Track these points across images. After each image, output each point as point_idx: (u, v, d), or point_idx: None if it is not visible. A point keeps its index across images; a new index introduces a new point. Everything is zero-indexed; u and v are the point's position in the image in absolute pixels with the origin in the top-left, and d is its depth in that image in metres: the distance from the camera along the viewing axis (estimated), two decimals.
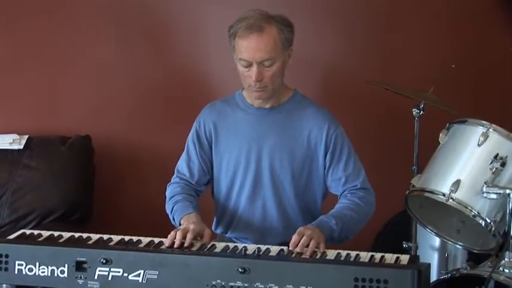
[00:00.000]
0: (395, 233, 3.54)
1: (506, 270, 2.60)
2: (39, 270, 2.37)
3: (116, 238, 2.54)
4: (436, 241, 3.29)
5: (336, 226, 2.65)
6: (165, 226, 2.73)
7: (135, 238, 2.54)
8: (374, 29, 3.85)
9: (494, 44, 3.85)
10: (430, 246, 3.30)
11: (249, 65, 2.71)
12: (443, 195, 2.69)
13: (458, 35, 3.83)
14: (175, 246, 2.47)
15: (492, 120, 2.75)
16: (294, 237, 2.46)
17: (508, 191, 2.59)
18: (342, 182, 2.82)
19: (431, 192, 2.74)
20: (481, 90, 3.81)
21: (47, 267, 2.37)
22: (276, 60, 2.71)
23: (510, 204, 2.59)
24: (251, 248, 2.45)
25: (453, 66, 3.73)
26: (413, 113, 3.19)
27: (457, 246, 2.93)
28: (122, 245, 2.48)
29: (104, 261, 2.34)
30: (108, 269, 2.34)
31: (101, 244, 2.50)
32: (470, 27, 3.83)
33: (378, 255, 2.37)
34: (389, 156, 3.78)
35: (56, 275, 2.36)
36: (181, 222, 2.70)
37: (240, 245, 2.50)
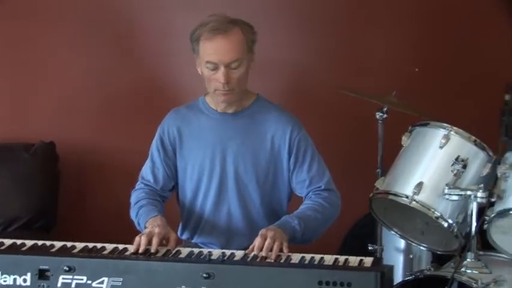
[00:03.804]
0: (362, 235, 3.57)
1: (469, 271, 2.63)
2: (1, 279, 2.35)
3: (79, 245, 2.53)
4: (401, 243, 3.32)
5: (299, 226, 2.66)
6: (131, 232, 2.72)
7: (99, 245, 2.52)
8: (338, 34, 3.89)
9: (456, 47, 3.90)
10: (395, 248, 3.33)
11: (216, 68, 2.71)
12: (407, 197, 2.71)
13: (422, 39, 3.88)
14: (140, 251, 2.46)
15: (454, 123, 2.78)
16: (257, 241, 2.47)
17: (469, 193, 2.62)
18: (306, 184, 2.83)
19: (395, 194, 2.75)
20: (443, 93, 3.86)
21: (9, 276, 2.35)
22: (242, 61, 2.72)
23: (472, 205, 2.62)
24: (216, 253, 2.45)
25: (416, 70, 3.77)
26: (377, 116, 3.22)
27: (421, 247, 2.96)
28: (85, 253, 2.47)
29: (67, 268, 2.33)
30: (71, 277, 2.33)
31: (64, 252, 2.48)
32: (432, 31, 3.88)
33: (342, 258, 2.38)
34: (354, 159, 3.81)
35: (18, 283, 2.34)
36: (147, 226, 2.69)
37: (205, 250, 2.50)
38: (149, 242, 2.49)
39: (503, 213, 2.57)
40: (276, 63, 3.77)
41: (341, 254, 2.44)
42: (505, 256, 2.71)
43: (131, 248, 2.48)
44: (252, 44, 2.77)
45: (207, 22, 2.73)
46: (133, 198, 2.91)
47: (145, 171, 2.95)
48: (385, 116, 3.20)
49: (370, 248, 3.29)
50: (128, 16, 3.94)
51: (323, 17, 3.86)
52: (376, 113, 3.20)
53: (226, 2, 3.64)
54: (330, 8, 3.86)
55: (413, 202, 2.69)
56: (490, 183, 2.66)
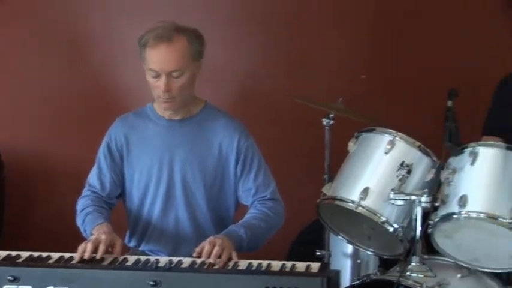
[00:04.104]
0: (309, 241, 3.58)
1: (414, 275, 2.66)
2: None
3: (24, 254, 2.49)
4: (349, 248, 3.34)
5: (245, 235, 2.68)
6: (78, 240, 2.70)
7: (44, 254, 2.49)
8: (286, 42, 3.93)
9: (402, 54, 3.97)
10: (343, 254, 3.35)
11: (158, 76, 2.71)
12: (353, 202, 2.73)
13: (368, 46, 3.93)
14: (85, 257, 2.44)
15: (400, 129, 2.82)
16: (206, 247, 2.47)
17: (413, 198, 2.65)
18: (252, 193, 2.85)
19: (341, 200, 2.78)
20: (389, 99, 3.92)
21: None
22: (185, 71, 2.72)
23: (416, 210, 2.66)
24: (163, 260, 2.44)
25: (363, 76, 3.82)
26: (324, 123, 3.24)
27: (368, 252, 2.99)
28: (30, 262, 2.43)
29: (12, 278, 2.30)
30: (16, 287, 2.30)
31: (8, 261, 2.44)
32: (378, 37, 3.94)
33: (289, 264, 2.40)
34: (301, 165, 3.84)
35: None
36: (93, 233, 2.67)
37: (152, 258, 2.49)
38: (95, 249, 2.47)
39: (447, 217, 2.61)
40: (224, 70, 3.79)
41: (289, 260, 2.46)
42: (448, 260, 2.75)
43: (76, 256, 2.46)
44: (199, 53, 2.77)
45: (154, 29, 2.73)
46: (79, 205, 2.89)
47: (92, 178, 2.93)
48: (331, 122, 3.22)
49: (318, 253, 3.31)
50: (77, 21, 3.90)
51: (271, 25, 3.89)
52: (323, 120, 3.23)
53: (176, 9, 3.65)
54: (278, 17, 3.90)
55: (360, 207, 2.72)
56: (434, 188, 2.70)
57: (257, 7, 3.92)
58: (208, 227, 2.88)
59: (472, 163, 2.65)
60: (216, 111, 2.91)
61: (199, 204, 2.87)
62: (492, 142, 2.87)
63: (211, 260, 2.43)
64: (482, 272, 2.72)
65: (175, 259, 2.45)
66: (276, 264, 2.41)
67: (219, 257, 2.44)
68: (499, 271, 2.72)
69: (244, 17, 3.91)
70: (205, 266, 2.41)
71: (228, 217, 2.93)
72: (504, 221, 2.52)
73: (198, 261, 2.45)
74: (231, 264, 2.44)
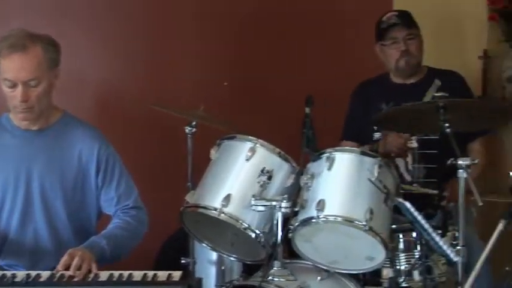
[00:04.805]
0: (175, 249, 3.57)
1: (276, 279, 2.69)
2: None
3: None
4: (213, 255, 3.34)
5: (107, 246, 2.66)
6: None
7: None
8: (145, 50, 3.91)
9: (264, 61, 4.04)
10: (208, 261, 3.36)
11: (14, 85, 2.65)
12: (215, 210, 2.74)
13: (230, 54, 3.97)
14: None
15: (262, 136, 2.86)
16: (64, 259, 2.43)
17: (274, 203, 2.69)
18: (115, 202, 2.83)
19: (204, 207, 2.79)
20: (252, 106, 3.98)
21: None
22: (41, 80, 2.67)
23: (277, 215, 2.71)
24: (20, 274, 2.38)
25: (225, 83, 3.85)
26: (186, 130, 3.24)
27: (232, 258, 3.01)
28: None
29: None
30: None
31: None
32: (240, 45, 3.99)
33: (150, 274, 2.39)
34: (165, 173, 3.82)
35: None
36: None
37: (8, 273, 2.42)
38: None
39: (306, 221, 2.67)
40: (83, 78, 3.72)
41: (156, 269, 2.45)
42: (309, 263, 2.81)
43: None
44: (54, 61, 2.72)
45: (7, 37, 2.67)
46: None
47: None
48: (194, 130, 3.23)
49: (183, 261, 3.30)
50: None
51: (131, 31, 3.87)
52: (185, 128, 3.23)
53: (30, 17, 3.56)
54: (137, 22, 3.88)
55: (222, 214, 2.73)
56: (294, 193, 2.76)
57: (114, 12, 3.88)
58: (69, 237, 2.83)
59: (329, 168, 2.72)
60: (74, 120, 2.87)
61: (59, 215, 2.81)
62: (348, 148, 2.98)
63: (70, 272, 2.38)
64: (340, 273, 2.80)
65: (33, 273, 2.39)
66: (137, 274, 2.39)
67: (79, 269, 2.40)
68: (356, 272, 2.80)
69: (102, 22, 3.86)
70: (65, 279, 2.37)
71: (90, 226, 2.89)
72: (360, 223, 2.60)
73: (57, 274, 2.40)
74: (91, 276, 2.40)
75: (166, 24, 3.93)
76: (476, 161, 2.66)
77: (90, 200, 2.85)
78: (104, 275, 2.40)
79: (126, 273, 2.40)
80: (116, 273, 2.40)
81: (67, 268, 2.43)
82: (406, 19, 3.44)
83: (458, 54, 4.01)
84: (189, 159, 3.27)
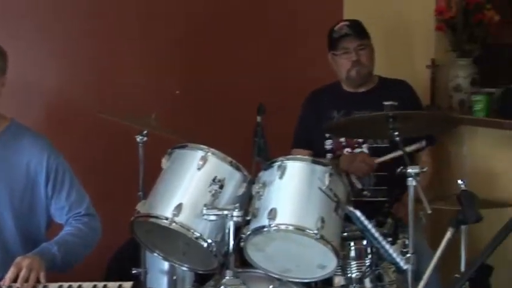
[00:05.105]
0: (126, 259, 3.54)
1: None
2: None
3: None
4: (165, 265, 3.32)
5: (58, 252, 2.62)
6: None
7: None
8: (92, 59, 3.89)
9: (216, 70, 4.04)
10: (160, 270, 3.33)
11: None
12: (167, 219, 2.72)
13: (182, 62, 3.97)
14: None
15: (214, 145, 2.85)
16: (11, 271, 2.39)
17: (226, 212, 2.68)
18: (66, 211, 2.81)
19: (156, 217, 2.76)
20: (204, 115, 3.98)
21: None
22: None
23: (229, 224, 2.70)
24: None
25: (177, 92, 3.84)
26: (137, 139, 3.22)
27: (183, 268, 2.99)
28: None
29: None
30: None
31: None
32: (192, 54, 3.99)
33: (100, 285, 2.37)
34: (116, 183, 3.79)
35: None
36: None
37: None
38: None
39: (258, 230, 2.66)
40: (30, 86, 3.68)
41: (106, 279, 2.42)
42: (261, 272, 2.81)
43: None
44: (1, 69, 2.69)
45: None
46: None
47: None
48: (145, 139, 3.21)
49: (134, 271, 3.27)
50: None
51: (79, 39, 3.85)
52: (137, 136, 3.21)
53: None
54: (85, 31, 3.86)
55: (173, 224, 2.71)
56: (246, 202, 2.76)
57: (61, 19, 3.85)
58: (17, 247, 2.78)
59: (281, 177, 2.73)
60: (22, 129, 2.82)
61: (7, 225, 2.77)
62: (299, 156, 2.99)
63: (18, 285, 2.34)
64: (292, 282, 2.80)
65: None
66: (87, 285, 2.37)
67: (26, 280, 2.36)
68: (308, 280, 2.81)
69: (48, 29, 3.82)
70: None
71: (40, 236, 2.85)
72: (311, 232, 2.61)
73: (4, 287, 2.35)
74: (39, 287, 2.36)
75: (116, 34, 3.91)
76: (425, 169, 2.70)
77: (40, 210, 2.81)
78: (52, 287, 2.36)
79: (75, 284, 2.37)
80: (65, 284, 2.37)
81: (15, 279, 2.38)
82: (357, 29, 3.47)
83: (407, 63, 4.07)
84: (141, 168, 3.25)
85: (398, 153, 2.69)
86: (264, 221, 2.66)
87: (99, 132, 3.78)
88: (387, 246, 2.67)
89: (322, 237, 2.60)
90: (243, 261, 2.84)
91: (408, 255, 2.67)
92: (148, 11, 3.99)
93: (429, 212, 2.58)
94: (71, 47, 3.85)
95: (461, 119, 3.56)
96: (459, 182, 2.56)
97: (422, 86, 3.84)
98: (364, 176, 3.36)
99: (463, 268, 2.82)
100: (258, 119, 2.80)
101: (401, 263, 2.66)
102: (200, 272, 3.01)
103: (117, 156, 3.79)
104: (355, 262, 2.89)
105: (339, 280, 2.89)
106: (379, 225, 2.79)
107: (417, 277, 2.66)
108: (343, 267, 2.86)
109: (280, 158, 2.79)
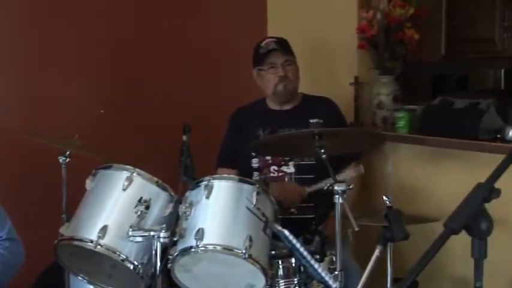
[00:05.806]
0: (50, 283, 3.46)
1: None
2: None
3: None
4: None
5: None
6: None
7: None
8: (18, 76, 3.80)
9: (140, 90, 4.01)
10: None
11: None
12: (91, 242, 2.67)
13: (106, 81, 3.92)
14: None
15: (139, 165, 2.81)
16: None
17: (152, 233, 2.65)
18: None
19: (80, 240, 2.71)
20: (130, 135, 3.93)
21: None
22: None
23: (155, 246, 2.66)
24: None
25: (102, 111, 3.78)
26: (60, 160, 3.15)
27: None
28: None
29: None
30: None
31: None
32: (116, 72, 3.95)
33: None
34: (40, 205, 3.71)
35: None
36: None
37: None
38: None
39: (185, 251, 2.64)
40: None
41: None
42: None
43: None
44: None
45: None
46: None
47: None
48: (68, 160, 3.14)
49: None
50: None
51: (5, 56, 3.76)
52: (59, 157, 3.14)
53: None
54: (10, 48, 3.76)
55: (99, 246, 2.66)
56: (173, 222, 2.72)
57: None
58: None
59: (208, 196, 2.71)
60: None
61: None
62: (226, 175, 2.98)
63: None
64: None
65: None
66: None
67: None
68: None
69: None
70: None
71: None
72: (239, 251, 2.59)
73: None
74: None
75: (41, 53, 3.84)
76: (351, 186, 2.72)
77: None
78: None
79: None
80: None
81: None
82: (284, 46, 3.49)
83: (331, 81, 4.12)
84: (63, 189, 3.18)
85: (329, 181, 2.70)
86: (191, 241, 2.63)
87: (22, 154, 3.68)
88: (316, 265, 2.67)
89: (250, 257, 2.59)
90: (170, 283, 2.81)
91: (336, 272, 2.68)
92: (71, 30, 3.92)
93: (356, 229, 2.59)
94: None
95: (385, 135, 3.61)
96: (384, 198, 2.59)
97: (346, 103, 3.89)
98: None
99: (389, 285, 2.84)
100: (184, 138, 2.78)
101: (330, 282, 2.67)
102: None
103: (40, 178, 3.70)
104: (283, 281, 2.88)
105: None
106: (306, 242, 2.79)
107: None
108: (271, 286, 2.84)
109: (207, 178, 2.77)
